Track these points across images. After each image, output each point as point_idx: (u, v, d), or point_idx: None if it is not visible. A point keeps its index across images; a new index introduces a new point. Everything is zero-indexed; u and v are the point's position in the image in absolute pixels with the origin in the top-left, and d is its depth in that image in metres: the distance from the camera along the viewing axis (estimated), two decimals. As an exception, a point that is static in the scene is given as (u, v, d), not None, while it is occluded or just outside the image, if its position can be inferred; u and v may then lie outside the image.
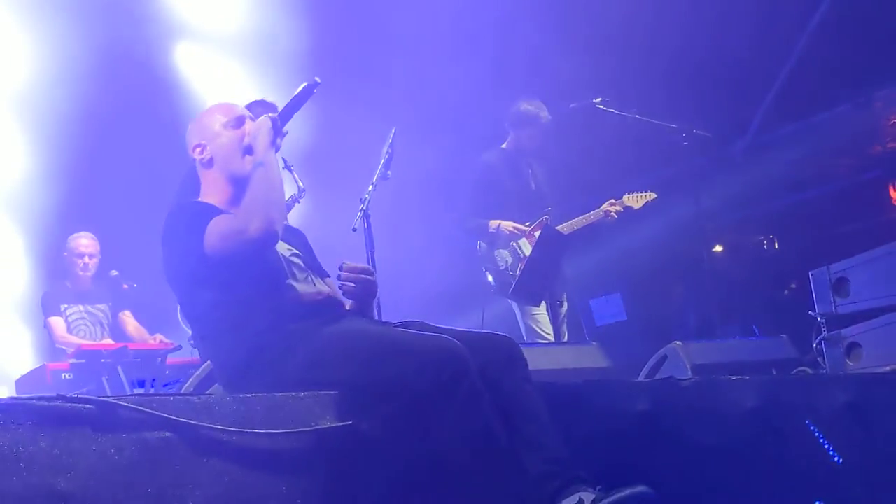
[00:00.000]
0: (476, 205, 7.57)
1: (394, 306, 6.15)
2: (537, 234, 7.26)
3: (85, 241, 7.89)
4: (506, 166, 7.69)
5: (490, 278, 7.48)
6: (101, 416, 2.88)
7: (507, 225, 7.39)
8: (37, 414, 2.80)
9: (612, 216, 7.53)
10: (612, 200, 7.60)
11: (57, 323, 7.66)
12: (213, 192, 4.02)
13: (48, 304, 7.78)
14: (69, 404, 2.86)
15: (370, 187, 6.05)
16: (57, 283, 8.05)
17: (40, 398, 2.85)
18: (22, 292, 9.05)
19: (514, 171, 7.69)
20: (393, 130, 6.11)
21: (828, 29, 8.63)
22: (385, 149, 6.09)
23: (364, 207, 6.00)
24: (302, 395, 3.29)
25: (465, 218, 7.59)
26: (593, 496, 3.19)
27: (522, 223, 7.46)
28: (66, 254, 7.93)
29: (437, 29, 8.64)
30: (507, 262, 7.34)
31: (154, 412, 2.95)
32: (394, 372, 3.35)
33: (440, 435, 3.27)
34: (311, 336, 3.58)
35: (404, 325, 3.80)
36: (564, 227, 7.43)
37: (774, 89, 9.24)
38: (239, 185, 3.89)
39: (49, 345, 7.76)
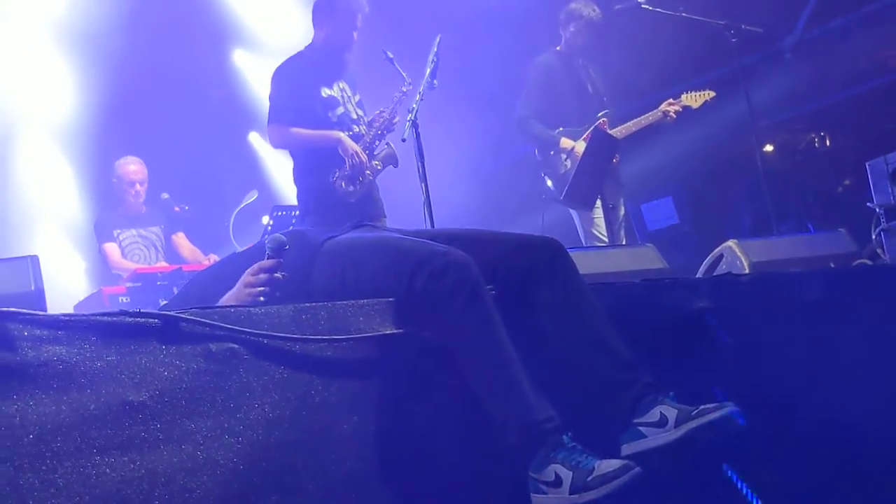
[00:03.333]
0: (537, 106, 7.61)
1: (448, 215, 6.16)
2: None
3: (134, 168, 7.89)
4: (562, 68, 7.72)
5: (549, 183, 7.48)
6: (165, 330, 2.90)
7: (567, 143, 7.44)
8: (102, 329, 2.81)
9: (671, 116, 7.50)
10: (671, 100, 7.54)
11: (111, 248, 7.72)
12: None
13: (101, 231, 7.83)
14: (133, 319, 2.87)
15: (417, 97, 6.04)
16: (108, 209, 8.10)
17: (104, 314, 2.86)
18: (74, 220, 9.15)
19: (570, 72, 7.73)
20: (438, 38, 6.07)
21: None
22: (431, 57, 6.06)
23: (412, 117, 5.99)
24: (363, 302, 3.28)
25: (530, 121, 7.58)
26: (675, 411, 3.08)
27: (581, 125, 7.47)
28: (114, 180, 7.95)
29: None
30: (566, 166, 7.32)
31: (217, 323, 2.96)
32: (403, 283, 3.29)
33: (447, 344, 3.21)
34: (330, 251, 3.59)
35: (429, 233, 3.73)
36: (622, 130, 7.43)
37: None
38: None
39: (105, 271, 7.84)
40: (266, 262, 3.43)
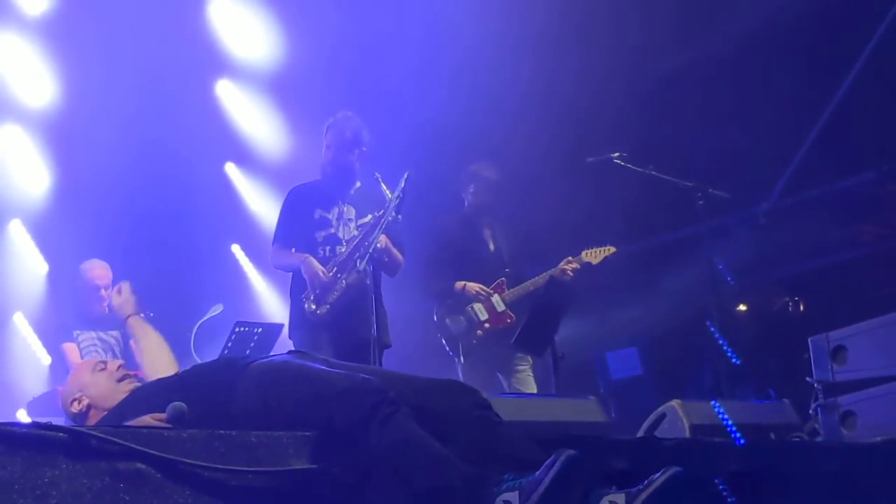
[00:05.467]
0: (437, 268, 7.70)
1: (394, 357, 6.22)
2: (494, 297, 7.57)
3: (99, 272, 7.96)
4: (463, 229, 7.90)
5: (444, 343, 7.62)
6: (73, 445, 2.92)
7: (473, 286, 7.61)
8: (9, 439, 2.83)
9: (568, 274, 7.58)
10: (570, 258, 7.67)
11: (71, 349, 7.74)
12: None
13: (61, 330, 7.87)
14: (42, 431, 2.91)
15: (377, 231, 6.12)
16: (70, 309, 8.15)
17: (14, 424, 2.90)
18: (43, 315, 9.17)
19: (471, 233, 7.88)
20: (406, 175, 6.15)
21: (858, 94, 8.62)
22: (397, 192, 6.13)
23: (371, 251, 6.05)
24: (278, 433, 3.32)
25: (429, 281, 7.73)
26: (623, 495, 3.10)
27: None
28: (79, 283, 8.00)
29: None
30: (459, 327, 7.47)
31: (126, 443, 2.99)
32: (313, 407, 3.42)
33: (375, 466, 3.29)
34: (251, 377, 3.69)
35: (360, 368, 3.84)
36: (518, 290, 7.65)
37: (801, 153, 9.22)
38: None
39: (63, 370, 7.84)
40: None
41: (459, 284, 7.60)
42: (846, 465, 4.49)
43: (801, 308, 10.42)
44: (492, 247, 7.86)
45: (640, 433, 5.47)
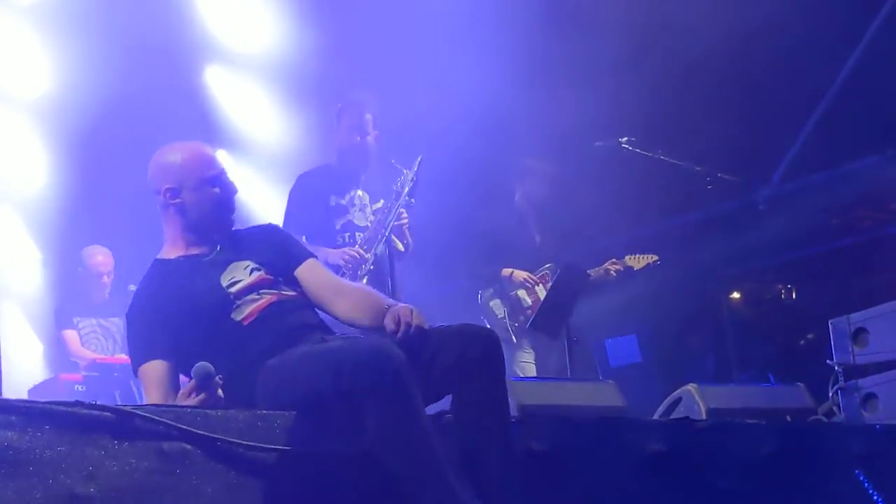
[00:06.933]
0: (485, 253, 7.66)
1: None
2: (539, 286, 7.49)
3: (101, 258, 7.87)
4: (516, 221, 7.82)
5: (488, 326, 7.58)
6: (118, 424, 2.90)
7: (521, 274, 7.52)
8: (55, 418, 2.81)
9: (612, 275, 7.69)
10: (614, 260, 7.74)
11: (71, 336, 7.65)
12: (172, 239, 4.03)
13: (62, 317, 7.78)
14: (87, 410, 2.87)
15: (392, 214, 6.07)
16: (70, 295, 8.06)
17: (59, 403, 2.86)
18: (36, 302, 9.09)
19: (522, 225, 7.80)
20: (419, 158, 6.10)
21: (860, 79, 8.62)
22: (411, 175, 6.09)
23: (386, 233, 6.01)
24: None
25: (475, 266, 7.70)
26: None
27: None
28: (81, 269, 7.91)
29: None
30: (504, 311, 7.43)
31: (171, 423, 2.96)
32: (330, 383, 3.21)
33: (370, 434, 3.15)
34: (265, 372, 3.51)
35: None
36: None
37: (802, 137, 9.20)
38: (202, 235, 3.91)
39: (62, 357, 7.77)
40: (188, 395, 3.37)
41: (507, 271, 7.55)
42: (872, 447, 4.50)
43: (794, 295, 10.45)
44: (538, 239, 7.84)
45: (656, 417, 5.44)
